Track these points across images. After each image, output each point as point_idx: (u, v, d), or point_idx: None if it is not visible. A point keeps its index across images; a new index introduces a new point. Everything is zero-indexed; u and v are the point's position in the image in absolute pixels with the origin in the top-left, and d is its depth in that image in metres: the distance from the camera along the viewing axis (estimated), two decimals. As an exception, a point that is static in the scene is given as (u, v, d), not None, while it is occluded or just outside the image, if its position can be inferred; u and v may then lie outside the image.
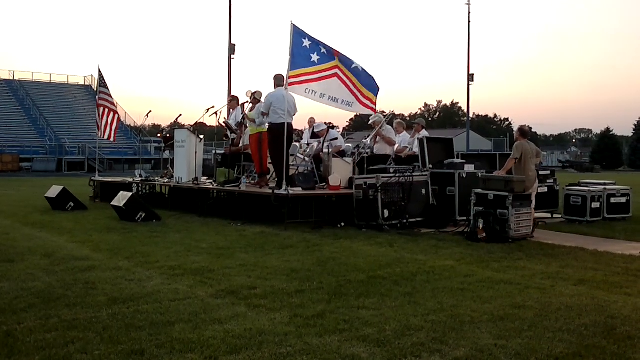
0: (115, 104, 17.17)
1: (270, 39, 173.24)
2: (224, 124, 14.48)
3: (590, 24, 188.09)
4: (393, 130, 13.26)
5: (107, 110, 16.67)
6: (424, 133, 13.32)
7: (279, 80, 11.45)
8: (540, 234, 10.24)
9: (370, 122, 13.26)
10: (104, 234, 9.88)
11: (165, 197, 15.06)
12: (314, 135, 13.79)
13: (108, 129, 16.64)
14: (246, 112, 12.59)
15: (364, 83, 11.53)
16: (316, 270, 7.03)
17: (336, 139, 13.33)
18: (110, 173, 34.02)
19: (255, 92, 12.29)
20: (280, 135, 11.00)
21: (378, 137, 12.98)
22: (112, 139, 17.42)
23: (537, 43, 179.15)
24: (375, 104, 11.83)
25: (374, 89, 11.68)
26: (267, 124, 11.69)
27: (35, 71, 62.62)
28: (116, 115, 16.93)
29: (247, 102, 12.99)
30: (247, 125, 12.51)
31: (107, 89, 16.87)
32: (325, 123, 13.30)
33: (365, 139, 13.54)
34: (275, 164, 11.80)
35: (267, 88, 12.49)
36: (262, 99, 11.89)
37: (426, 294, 5.95)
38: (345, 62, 11.41)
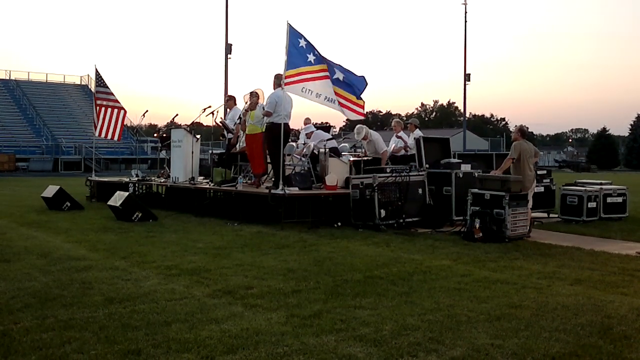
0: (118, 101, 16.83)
1: (266, 38, 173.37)
2: (220, 124, 14.47)
3: (587, 23, 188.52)
4: (380, 137, 13.17)
5: (108, 109, 16.49)
6: (418, 132, 13.34)
7: (279, 80, 11.41)
8: (537, 233, 10.26)
9: (360, 139, 13.14)
10: (100, 234, 9.86)
11: (162, 197, 15.04)
12: (309, 136, 13.78)
13: (112, 128, 16.49)
14: (248, 113, 12.30)
15: (347, 90, 11.47)
16: (313, 270, 7.03)
17: (331, 139, 13.34)
18: (106, 173, 34.02)
19: (252, 92, 12.20)
20: (279, 135, 10.98)
21: (369, 142, 12.98)
22: (116, 139, 17.23)
23: (534, 43, 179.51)
24: (362, 107, 11.70)
25: (357, 92, 11.56)
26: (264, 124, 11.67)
27: (32, 71, 62.43)
28: (121, 112, 16.64)
29: (246, 105, 12.85)
30: (247, 125, 12.29)
31: (107, 87, 16.71)
32: (321, 123, 13.31)
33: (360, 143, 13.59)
34: (273, 163, 11.79)
35: (263, 87, 12.44)
36: (263, 98, 11.86)
37: (423, 294, 5.96)
38: (330, 72, 11.37)
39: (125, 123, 17.82)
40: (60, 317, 5.05)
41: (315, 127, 14.23)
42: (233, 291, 5.97)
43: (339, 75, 11.42)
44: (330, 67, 11.39)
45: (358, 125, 13.15)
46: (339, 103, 11.40)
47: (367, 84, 11.67)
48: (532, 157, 10.21)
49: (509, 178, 9.79)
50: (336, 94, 11.38)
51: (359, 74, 11.69)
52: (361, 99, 11.58)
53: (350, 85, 11.49)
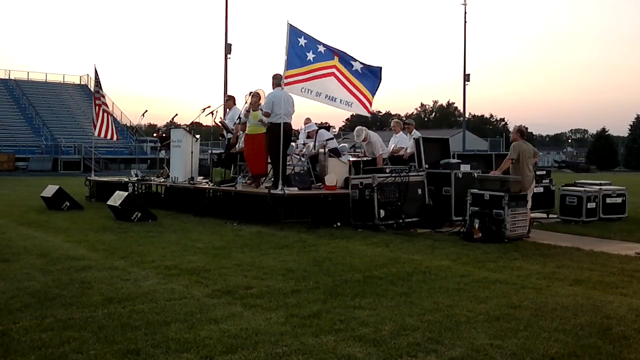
0: (108, 104, 17.10)
1: (266, 38, 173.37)
2: (219, 124, 14.46)
3: (586, 24, 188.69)
4: (379, 139, 13.18)
5: (103, 110, 16.64)
6: (416, 133, 13.36)
7: (278, 80, 11.40)
8: (536, 234, 10.26)
9: (360, 141, 13.18)
10: (99, 234, 9.86)
11: (161, 197, 15.03)
12: (310, 135, 13.79)
13: (110, 128, 16.62)
14: (250, 113, 12.24)
15: (365, 83, 11.48)
16: (312, 270, 7.03)
17: (331, 139, 13.33)
18: (106, 173, 33.99)
19: (253, 93, 12.18)
20: (279, 135, 10.97)
21: (368, 143, 13.01)
22: (115, 138, 17.41)
23: (534, 43, 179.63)
24: (371, 104, 11.75)
25: (373, 89, 11.60)
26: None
27: (31, 70, 62.39)
28: (108, 115, 16.91)
29: (246, 104, 12.85)
30: (248, 125, 12.28)
31: (102, 89, 16.84)
32: (321, 123, 13.31)
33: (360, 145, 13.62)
34: (273, 163, 11.78)
35: (263, 87, 12.45)
36: (264, 98, 11.87)
37: (422, 294, 5.95)
38: (346, 64, 11.36)
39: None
40: (60, 316, 5.05)
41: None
42: (232, 291, 5.97)
43: (357, 66, 11.41)
44: (346, 60, 11.35)
45: (358, 127, 13.18)
46: (352, 94, 11.38)
47: (380, 74, 11.67)
48: (531, 158, 10.20)
49: (508, 178, 9.79)
50: (352, 84, 11.37)
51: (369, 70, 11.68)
52: (373, 95, 11.57)
53: (367, 78, 11.47)
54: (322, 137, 13.00)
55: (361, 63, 11.47)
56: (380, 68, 11.68)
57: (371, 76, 11.57)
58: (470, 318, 5.13)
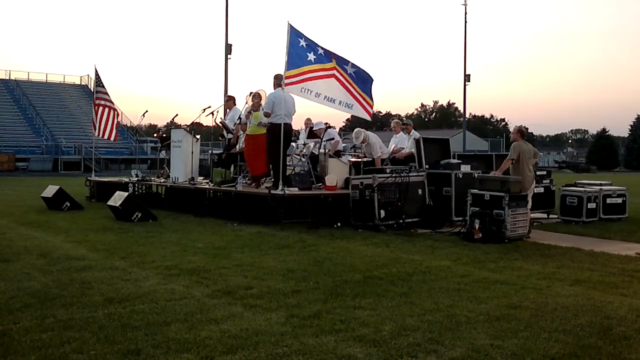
0: (113, 103, 16.99)
1: (267, 38, 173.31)
2: (220, 124, 14.46)
3: (586, 24, 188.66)
4: (378, 140, 13.21)
5: (106, 109, 16.59)
6: (415, 133, 13.38)
7: (279, 80, 11.39)
8: (536, 234, 10.26)
9: (359, 143, 13.27)
10: (100, 234, 9.86)
11: (162, 197, 15.02)
12: (311, 135, 13.80)
13: (108, 128, 16.60)
14: (252, 114, 12.24)
15: (361, 87, 11.48)
16: (312, 271, 7.03)
17: (333, 138, 13.35)
18: (106, 173, 34.00)
19: (254, 93, 12.18)
20: (279, 136, 10.97)
21: (367, 145, 13.05)
22: (112, 139, 17.40)
23: (534, 43, 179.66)
24: (372, 107, 11.79)
25: (369, 92, 11.62)
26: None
27: (32, 71, 62.39)
28: (115, 113, 16.84)
29: (246, 104, 12.85)
30: (249, 126, 12.27)
31: (104, 88, 16.81)
32: (324, 123, 13.33)
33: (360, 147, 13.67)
34: (273, 164, 11.78)
35: (263, 88, 12.46)
36: (264, 98, 11.87)
37: (422, 294, 5.95)
38: (342, 66, 11.36)
39: (124, 123, 17.97)
40: (60, 317, 5.05)
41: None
42: (233, 291, 5.97)
43: (350, 70, 11.41)
44: (342, 63, 11.35)
45: (356, 129, 13.22)
46: (353, 97, 11.39)
47: (372, 80, 11.70)
48: (531, 158, 10.20)
49: (508, 179, 9.79)
50: (352, 87, 11.36)
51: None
52: (371, 98, 11.59)
53: (362, 81, 11.47)
54: (329, 136, 13.02)
55: (353, 66, 11.45)
56: (372, 80, 11.72)
57: (365, 80, 11.55)
58: (471, 318, 5.13)
